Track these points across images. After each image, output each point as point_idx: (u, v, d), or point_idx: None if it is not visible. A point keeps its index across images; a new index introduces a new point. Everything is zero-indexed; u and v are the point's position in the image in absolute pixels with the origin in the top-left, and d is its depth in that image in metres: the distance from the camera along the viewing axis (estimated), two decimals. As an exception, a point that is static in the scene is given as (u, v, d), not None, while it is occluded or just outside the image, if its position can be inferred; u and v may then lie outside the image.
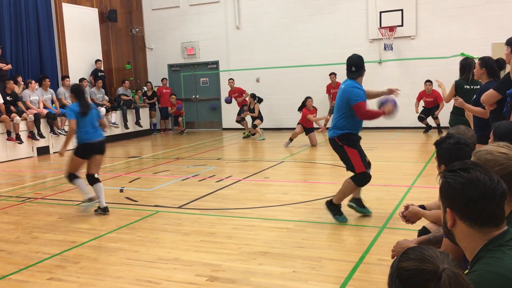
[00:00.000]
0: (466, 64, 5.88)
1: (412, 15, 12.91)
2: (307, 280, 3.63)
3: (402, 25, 12.92)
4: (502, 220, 1.60)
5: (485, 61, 5.08)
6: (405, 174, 7.40)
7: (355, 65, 4.99)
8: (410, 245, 2.58)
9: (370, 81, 13.46)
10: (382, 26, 13.01)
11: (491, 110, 4.45)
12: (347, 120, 4.93)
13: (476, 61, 5.24)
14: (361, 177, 5.00)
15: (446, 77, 12.37)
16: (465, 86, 5.78)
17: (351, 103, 4.85)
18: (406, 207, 3.05)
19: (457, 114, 5.77)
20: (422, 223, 3.18)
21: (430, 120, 12.41)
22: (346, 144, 4.94)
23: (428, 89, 12.07)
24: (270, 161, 9.06)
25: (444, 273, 1.19)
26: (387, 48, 13.05)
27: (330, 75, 13.30)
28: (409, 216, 3.03)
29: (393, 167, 8.01)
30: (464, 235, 1.60)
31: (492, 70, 5.04)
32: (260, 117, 12.97)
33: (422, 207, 3.10)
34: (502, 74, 5.19)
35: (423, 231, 3.07)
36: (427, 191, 6.12)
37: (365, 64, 5.14)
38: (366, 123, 5.49)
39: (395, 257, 2.62)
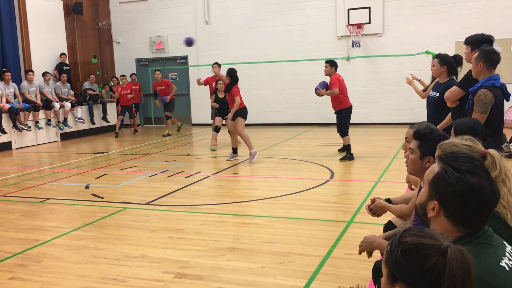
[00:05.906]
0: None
1: (379, 13, 13.10)
2: (275, 275, 3.63)
3: (369, 23, 13.08)
4: (485, 223, 1.55)
5: (445, 59, 5.20)
6: (372, 169, 7.51)
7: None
8: (377, 240, 2.62)
9: (339, 78, 13.67)
10: (350, 23, 13.14)
11: (454, 107, 4.56)
12: None
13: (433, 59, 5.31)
14: None
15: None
16: None
17: None
18: (373, 200, 3.09)
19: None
20: (387, 217, 3.23)
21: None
22: None
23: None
24: (239, 157, 9.04)
25: (449, 249, 1.23)
26: (355, 45, 13.20)
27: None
28: (375, 210, 3.07)
29: (360, 162, 8.12)
30: (442, 228, 1.55)
31: (452, 67, 5.16)
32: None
33: (389, 200, 3.15)
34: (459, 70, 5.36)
35: (389, 225, 3.12)
36: (393, 185, 6.22)
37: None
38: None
39: (361, 251, 2.68)
